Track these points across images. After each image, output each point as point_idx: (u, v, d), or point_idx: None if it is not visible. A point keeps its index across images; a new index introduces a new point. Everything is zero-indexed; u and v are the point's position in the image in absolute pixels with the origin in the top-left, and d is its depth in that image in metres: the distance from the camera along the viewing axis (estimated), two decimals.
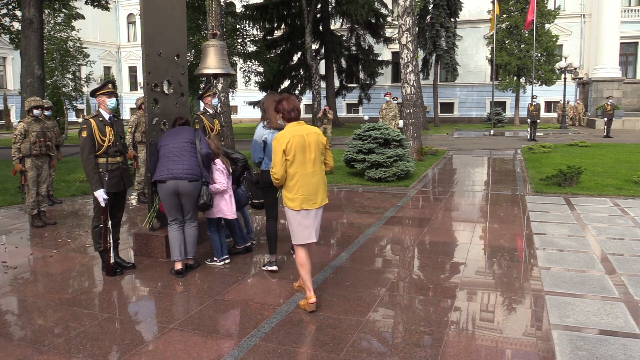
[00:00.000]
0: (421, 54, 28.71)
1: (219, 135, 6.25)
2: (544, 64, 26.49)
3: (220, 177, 5.07)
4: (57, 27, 22.71)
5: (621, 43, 30.13)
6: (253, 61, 25.87)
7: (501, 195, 8.76)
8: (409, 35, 12.89)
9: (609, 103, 21.05)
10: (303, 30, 26.35)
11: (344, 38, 29.61)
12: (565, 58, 26.01)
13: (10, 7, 16.43)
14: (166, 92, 5.64)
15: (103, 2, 17.22)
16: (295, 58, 29.16)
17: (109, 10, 19.06)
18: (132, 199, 8.84)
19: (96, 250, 4.96)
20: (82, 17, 19.24)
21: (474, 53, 33.62)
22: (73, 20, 21.81)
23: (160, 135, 5.13)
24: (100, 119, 4.73)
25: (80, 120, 6.36)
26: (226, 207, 5.12)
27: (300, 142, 3.85)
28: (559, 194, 8.56)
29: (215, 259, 5.16)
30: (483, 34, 32.37)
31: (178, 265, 4.81)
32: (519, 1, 26.88)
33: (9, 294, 4.45)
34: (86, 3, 16.85)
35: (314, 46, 27.89)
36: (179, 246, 4.83)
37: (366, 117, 22.98)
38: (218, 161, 5.12)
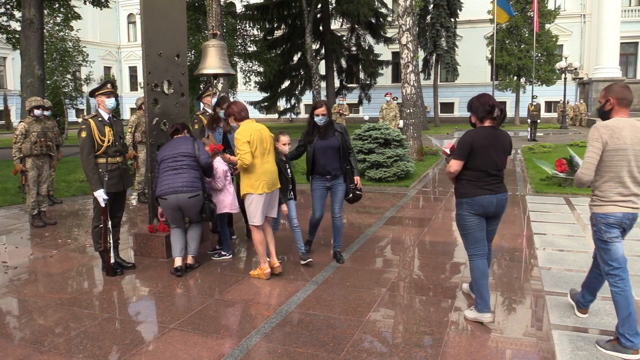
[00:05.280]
0: (421, 54, 28.69)
1: None
2: (544, 64, 26.47)
3: (221, 164, 5.09)
4: (57, 27, 22.68)
5: (621, 43, 30.11)
6: (253, 61, 25.87)
7: None
8: (409, 35, 12.89)
9: None
10: (303, 31, 26.34)
11: (344, 38, 29.57)
12: (566, 58, 26.00)
13: (8, 6, 16.38)
14: (166, 92, 5.64)
15: (103, 0, 17.15)
16: (296, 58, 29.15)
17: (109, 8, 18.98)
18: (132, 199, 8.84)
19: (96, 250, 4.97)
20: (79, 17, 19.10)
21: (474, 53, 33.60)
22: (72, 21, 21.74)
23: (161, 148, 5.09)
24: (100, 119, 4.74)
25: (80, 120, 6.35)
26: (230, 202, 5.21)
27: (258, 136, 4.49)
28: (559, 194, 8.55)
29: (223, 253, 5.18)
30: (483, 34, 32.33)
31: (177, 262, 4.83)
32: (518, 1, 26.86)
33: (9, 294, 4.45)
34: (85, 3, 16.79)
35: (314, 46, 27.86)
36: (180, 244, 4.89)
37: (366, 117, 23.02)
38: (218, 159, 5.17)
